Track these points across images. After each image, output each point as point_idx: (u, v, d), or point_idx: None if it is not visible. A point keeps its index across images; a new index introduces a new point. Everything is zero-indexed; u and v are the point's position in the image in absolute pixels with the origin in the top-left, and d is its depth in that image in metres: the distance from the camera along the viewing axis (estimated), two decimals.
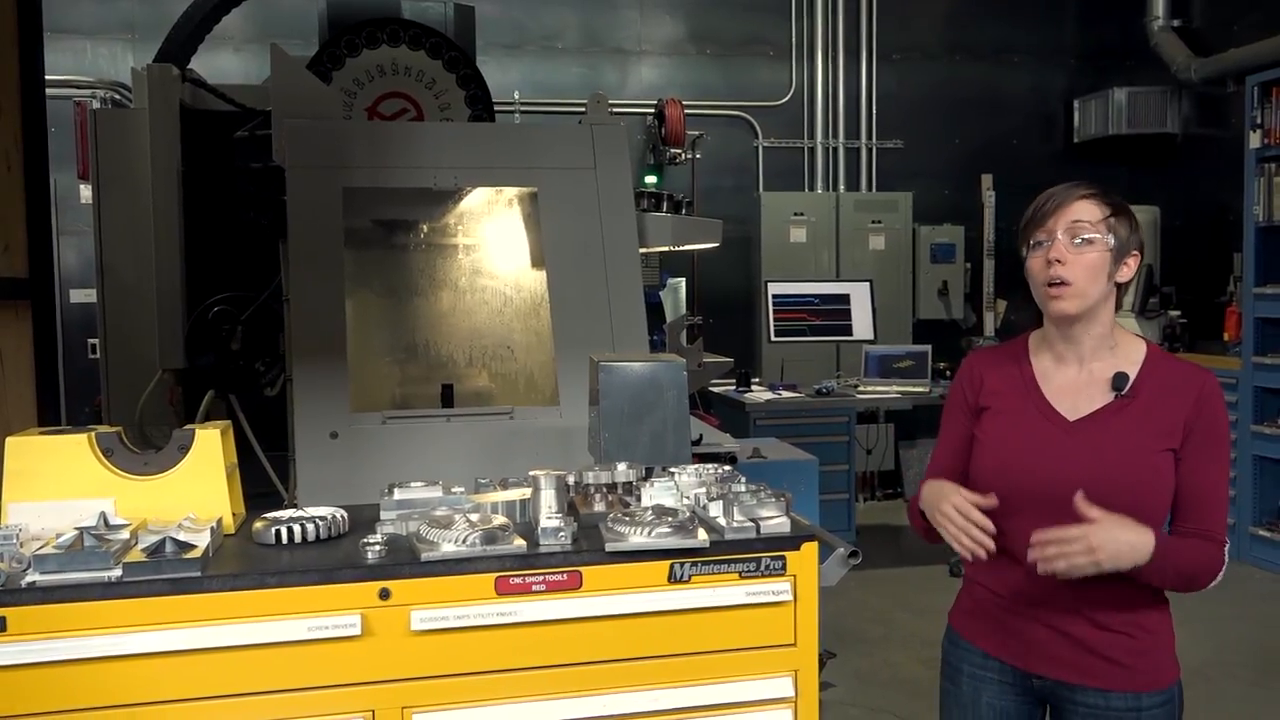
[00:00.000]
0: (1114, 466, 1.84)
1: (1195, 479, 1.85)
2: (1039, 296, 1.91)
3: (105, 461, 1.60)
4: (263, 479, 3.04)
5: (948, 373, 6.49)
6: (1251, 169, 6.11)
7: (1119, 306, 1.95)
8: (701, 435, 3.48)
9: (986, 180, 7.75)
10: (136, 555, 1.43)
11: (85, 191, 5.66)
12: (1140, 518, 1.82)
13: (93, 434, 1.61)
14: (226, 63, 6.77)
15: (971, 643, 2.02)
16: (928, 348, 6.48)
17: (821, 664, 4.64)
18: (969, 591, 2.06)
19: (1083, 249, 1.85)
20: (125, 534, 1.49)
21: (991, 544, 1.78)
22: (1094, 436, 1.88)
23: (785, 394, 6.19)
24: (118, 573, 1.40)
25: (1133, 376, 1.89)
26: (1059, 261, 1.84)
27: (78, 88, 6.61)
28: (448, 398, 3.01)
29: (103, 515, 1.53)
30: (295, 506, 1.73)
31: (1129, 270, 1.89)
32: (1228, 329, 6.59)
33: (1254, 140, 6.09)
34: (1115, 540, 1.72)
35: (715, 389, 6.29)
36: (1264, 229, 6.05)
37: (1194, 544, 1.85)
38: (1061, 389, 1.94)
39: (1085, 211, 1.86)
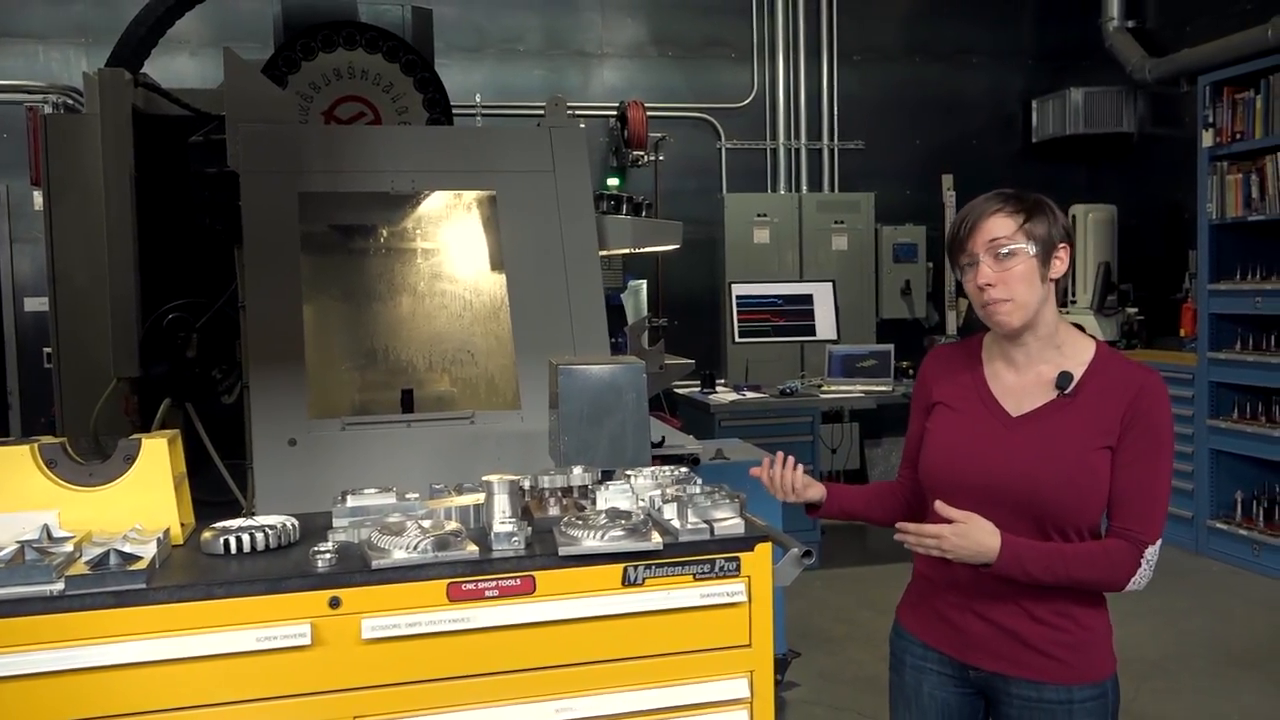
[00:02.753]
0: (1049, 463, 1.87)
1: (1123, 477, 1.87)
2: (981, 315, 1.94)
3: (48, 473, 1.58)
4: (221, 487, 3.01)
5: (910, 371, 6.55)
6: (1204, 167, 6.21)
7: (1061, 301, 1.97)
8: (664, 437, 3.49)
9: (947, 180, 7.82)
10: (80, 568, 1.41)
11: (38, 198, 5.58)
12: (1075, 513, 1.87)
13: (35, 445, 1.58)
14: (182, 67, 6.69)
15: (913, 634, 2.06)
16: (890, 347, 6.53)
17: (785, 663, 4.64)
18: (914, 584, 2.11)
19: (1007, 263, 1.87)
20: (69, 547, 1.47)
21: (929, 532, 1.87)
22: (1033, 433, 1.90)
23: (750, 395, 6.20)
24: (60, 586, 1.38)
25: (1078, 376, 1.92)
26: (989, 285, 1.88)
27: (29, 92, 6.51)
28: (408, 403, 3.00)
29: (45, 528, 1.51)
30: (250, 515, 1.71)
31: (1061, 264, 1.91)
32: (1184, 325, 6.69)
33: (1207, 139, 6.18)
34: (965, 545, 1.83)
35: (680, 390, 6.30)
36: (1217, 226, 6.15)
37: (1094, 547, 1.87)
38: (1009, 387, 1.97)
39: (998, 227, 1.88)
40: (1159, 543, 1.87)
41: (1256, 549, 5.82)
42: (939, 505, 1.88)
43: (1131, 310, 7.29)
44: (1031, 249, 1.87)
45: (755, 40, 7.98)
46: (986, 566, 1.85)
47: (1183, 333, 6.69)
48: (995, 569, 1.84)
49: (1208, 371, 6.14)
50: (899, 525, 1.91)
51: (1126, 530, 1.86)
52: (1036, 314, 1.91)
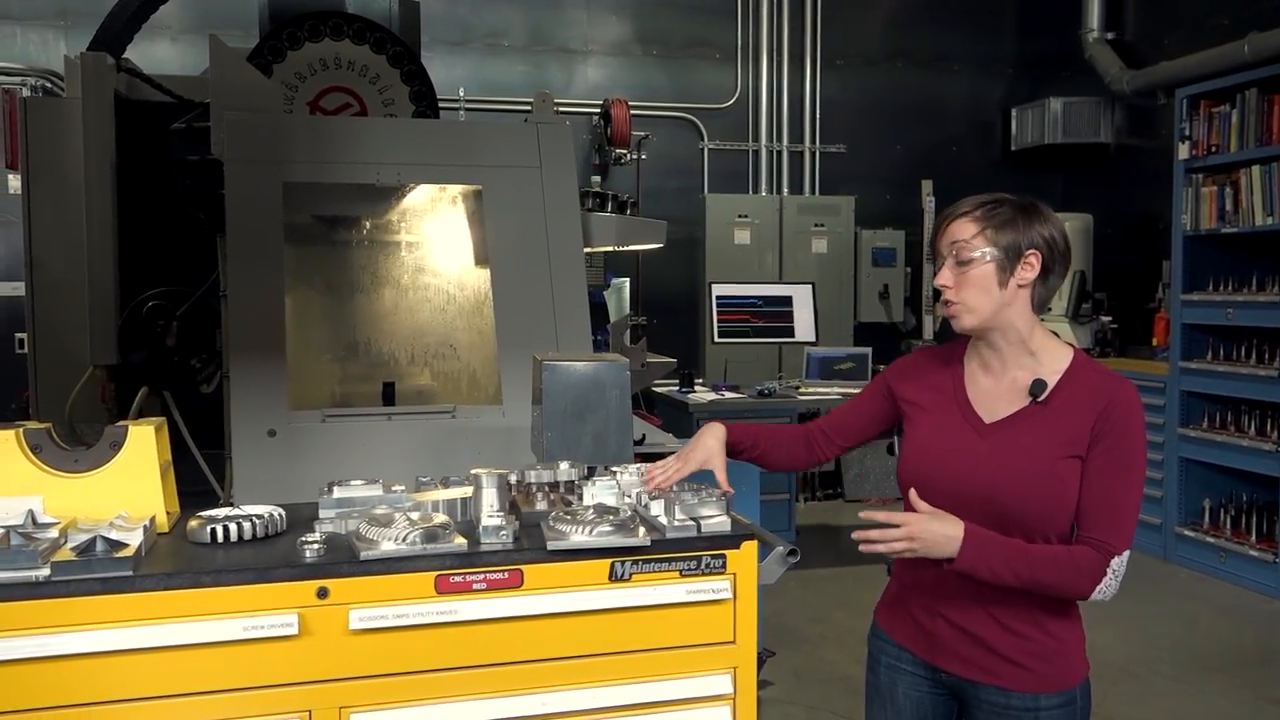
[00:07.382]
0: (1018, 471, 1.87)
1: (1092, 486, 1.86)
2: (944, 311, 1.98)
3: (33, 458, 1.56)
4: (198, 478, 2.98)
5: None
6: (1180, 179, 6.28)
7: (1046, 308, 1.97)
8: (645, 435, 3.50)
9: (927, 186, 7.88)
10: (65, 554, 1.40)
11: (14, 182, 5.51)
12: (1043, 521, 1.86)
13: (20, 430, 1.57)
14: (164, 53, 6.62)
15: (889, 635, 2.08)
16: (868, 350, 6.57)
17: (761, 662, 4.67)
18: (891, 585, 2.12)
19: (965, 268, 1.90)
20: (54, 532, 1.46)
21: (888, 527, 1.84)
22: (1004, 441, 1.91)
23: (728, 395, 6.22)
24: (45, 572, 1.37)
25: (1052, 384, 1.92)
26: (945, 285, 1.92)
27: (8, 75, 6.41)
28: (389, 396, 2.99)
29: (30, 513, 1.50)
30: (232, 505, 1.70)
31: (1031, 270, 1.89)
32: (1156, 334, 6.77)
33: (1182, 151, 6.26)
34: (932, 532, 1.81)
35: (658, 389, 6.30)
36: (1191, 238, 6.22)
37: (1060, 551, 1.85)
38: (986, 393, 1.98)
39: (960, 230, 1.91)
40: (1127, 554, 1.85)
41: (1223, 556, 5.91)
42: (913, 497, 1.87)
43: (1106, 319, 7.37)
44: (989, 255, 1.88)
45: (739, 42, 8.01)
46: (950, 561, 1.82)
47: (1155, 342, 6.77)
48: (959, 560, 1.81)
49: (1179, 381, 6.22)
50: (861, 534, 1.85)
51: (1094, 539, 1.85)
52: (996, 318, 1.91)
